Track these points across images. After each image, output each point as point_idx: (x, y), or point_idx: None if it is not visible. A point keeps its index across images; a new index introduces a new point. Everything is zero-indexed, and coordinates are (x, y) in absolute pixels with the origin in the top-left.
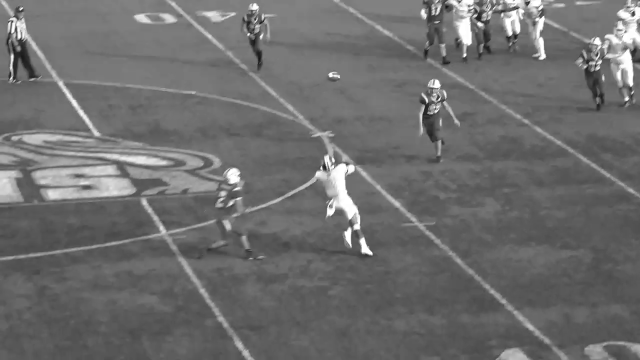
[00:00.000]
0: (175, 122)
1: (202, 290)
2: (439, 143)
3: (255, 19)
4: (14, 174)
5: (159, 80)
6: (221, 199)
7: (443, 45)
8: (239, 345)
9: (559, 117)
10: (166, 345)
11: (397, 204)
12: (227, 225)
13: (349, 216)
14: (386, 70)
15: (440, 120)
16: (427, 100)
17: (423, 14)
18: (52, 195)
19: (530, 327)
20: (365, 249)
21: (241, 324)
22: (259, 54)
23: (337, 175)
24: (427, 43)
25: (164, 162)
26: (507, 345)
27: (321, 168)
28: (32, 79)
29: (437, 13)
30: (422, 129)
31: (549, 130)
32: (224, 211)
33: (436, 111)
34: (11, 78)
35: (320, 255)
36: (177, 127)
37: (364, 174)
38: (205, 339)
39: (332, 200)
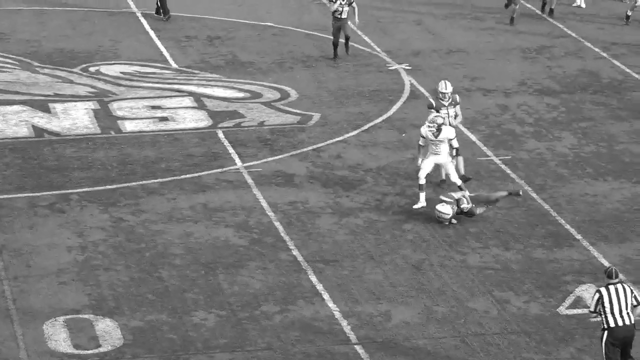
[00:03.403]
0: (252, 53)
1: (277, 224)
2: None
3: (344, 0)
4: (91, 105)
5: (236, 11)
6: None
7: None
8: (313, 278)
9: (638, 50)
10: (240, 279)
11: (473, 137)
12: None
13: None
14: (464, 2)
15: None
16: (434, 105)
17: None
18: (128, 126)
19: (605, 262)
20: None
21: (315, 258)
22: (346, 39)
23: (447, 135)
24: None
25: (240, 94)
26: (582, 281)
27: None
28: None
29: None
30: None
31: (627, 64)
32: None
33: (452, 118)
34: (163, 15)
35: (395, 189)
36: (254, 59)
37: None
38: (279, 273)
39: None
